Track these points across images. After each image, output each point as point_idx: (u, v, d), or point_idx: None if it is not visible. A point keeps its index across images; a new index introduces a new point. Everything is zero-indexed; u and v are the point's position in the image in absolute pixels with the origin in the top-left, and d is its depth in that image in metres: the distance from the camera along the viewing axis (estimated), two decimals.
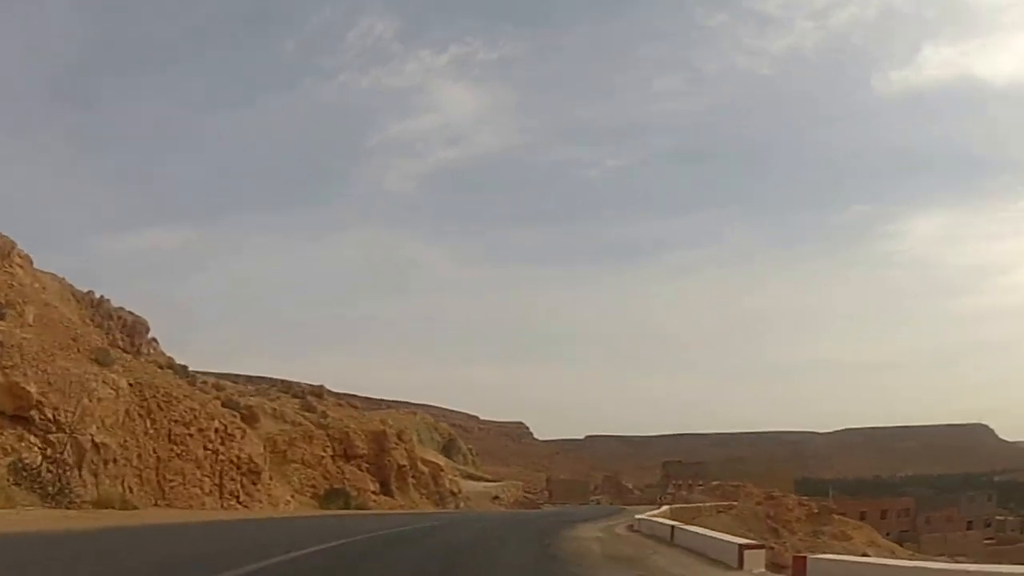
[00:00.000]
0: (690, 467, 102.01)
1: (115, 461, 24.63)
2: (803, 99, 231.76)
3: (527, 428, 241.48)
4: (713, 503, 53.55)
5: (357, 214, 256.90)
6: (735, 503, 52.81)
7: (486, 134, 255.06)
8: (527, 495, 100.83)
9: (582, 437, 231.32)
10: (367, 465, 49.56)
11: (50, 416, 23.07)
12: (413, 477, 54.92)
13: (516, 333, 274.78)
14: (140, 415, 27.45)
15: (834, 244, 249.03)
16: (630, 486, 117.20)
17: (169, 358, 50.01)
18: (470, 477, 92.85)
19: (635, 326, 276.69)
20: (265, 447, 36.43)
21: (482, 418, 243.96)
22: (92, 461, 23.48)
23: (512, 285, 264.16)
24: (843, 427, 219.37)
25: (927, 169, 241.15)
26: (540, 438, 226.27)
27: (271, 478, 35.55)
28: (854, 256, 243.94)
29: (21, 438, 22.39)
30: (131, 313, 52.89)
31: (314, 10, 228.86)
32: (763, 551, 15.11)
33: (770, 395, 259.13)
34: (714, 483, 73.90)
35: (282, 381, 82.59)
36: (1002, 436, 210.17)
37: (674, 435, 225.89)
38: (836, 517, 54.73)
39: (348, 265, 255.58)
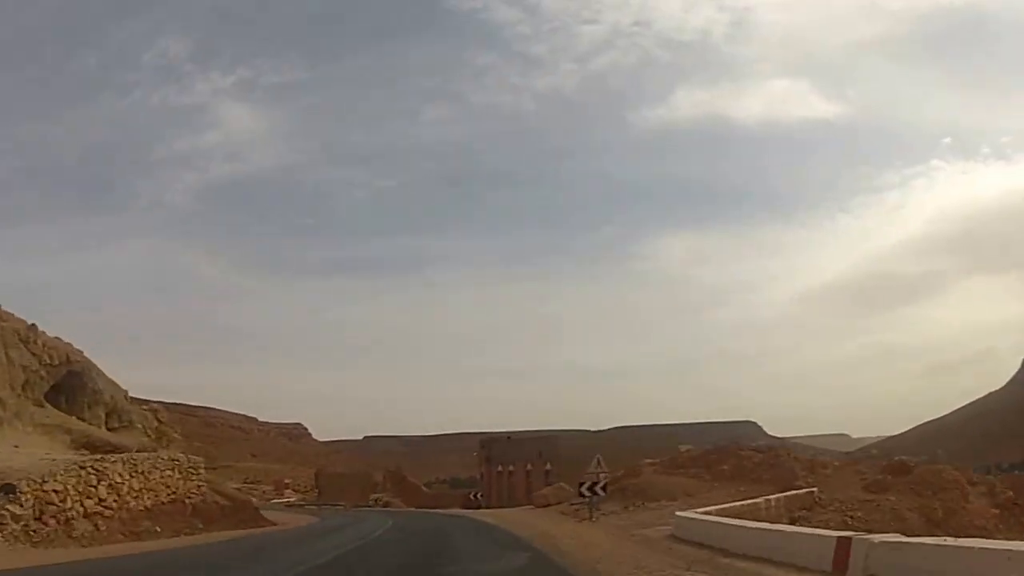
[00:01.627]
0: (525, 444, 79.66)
1: None
2: (563, 131, 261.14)
3: (305, 429, 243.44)
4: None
5: (138, 224, 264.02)
6: None
7: (264, 152, 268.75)
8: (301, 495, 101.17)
9: (361, 437, 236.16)
10: None
11: None
12: None
13: (294, 338, 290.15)
14: None
15: (588, 262, 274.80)
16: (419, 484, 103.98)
17: None
18: None
19: (410, 335, 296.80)
20: None
21: (260, 419, 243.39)
22: None
23: (286, 294, 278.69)
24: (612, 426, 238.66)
25: (679, 197, 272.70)
26: (319, 439, 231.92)
27: None
28: (607, 273, 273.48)
29: None
30: None
31: (116, 30, 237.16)
32: None
33: (522, 396, 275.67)
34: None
35: None
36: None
37: (454, 434, 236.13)
38: None
39: (128, 272, 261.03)
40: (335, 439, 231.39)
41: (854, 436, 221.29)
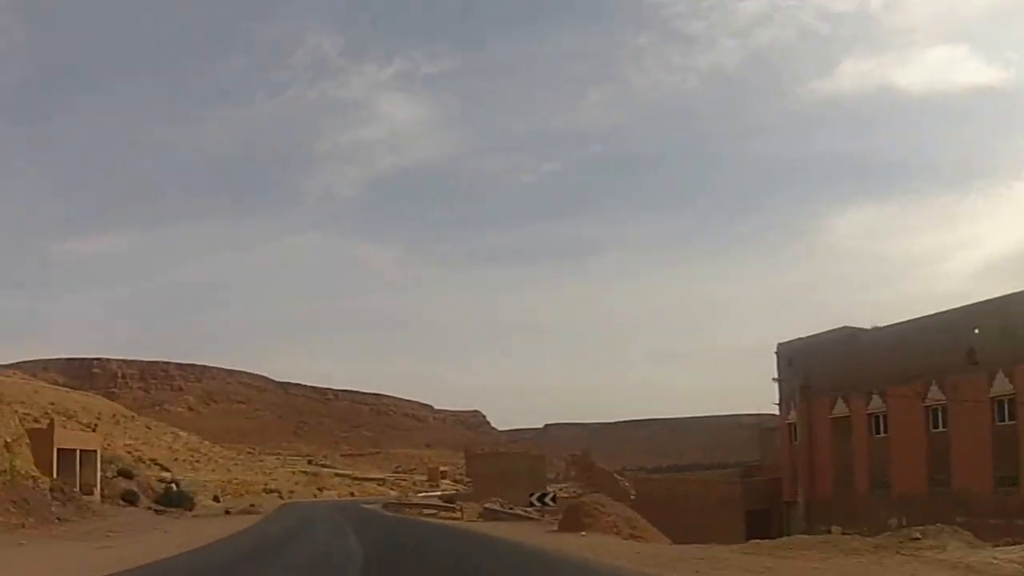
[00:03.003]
0: None
1: None
2: (725, 110, 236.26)
3: (484, 417, 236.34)
4: None
5: (308, 219, 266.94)
6: None
7: (427, 143, 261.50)
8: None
9: (541, 426, 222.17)
10: None
11: None
12: None
13: (467, 327, 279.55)
14: None
15: (755, 241, 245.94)
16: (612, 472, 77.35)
17: None
18: None
19: (583, 321, 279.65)
20: None
21: (436, 407, 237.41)
22: None
23: (457, 282, 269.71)
24: None
25: (849, 170, 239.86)
26: (498, 427, 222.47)
27: None
28: (776, 252, 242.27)
29: None
30: None
31: (262, 30, 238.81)
32: None
33: (719, 379, 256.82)
34: None
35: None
36: None
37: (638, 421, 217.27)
38: None
39: (302, 267, 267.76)
40: (515, 428, 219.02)
41: None
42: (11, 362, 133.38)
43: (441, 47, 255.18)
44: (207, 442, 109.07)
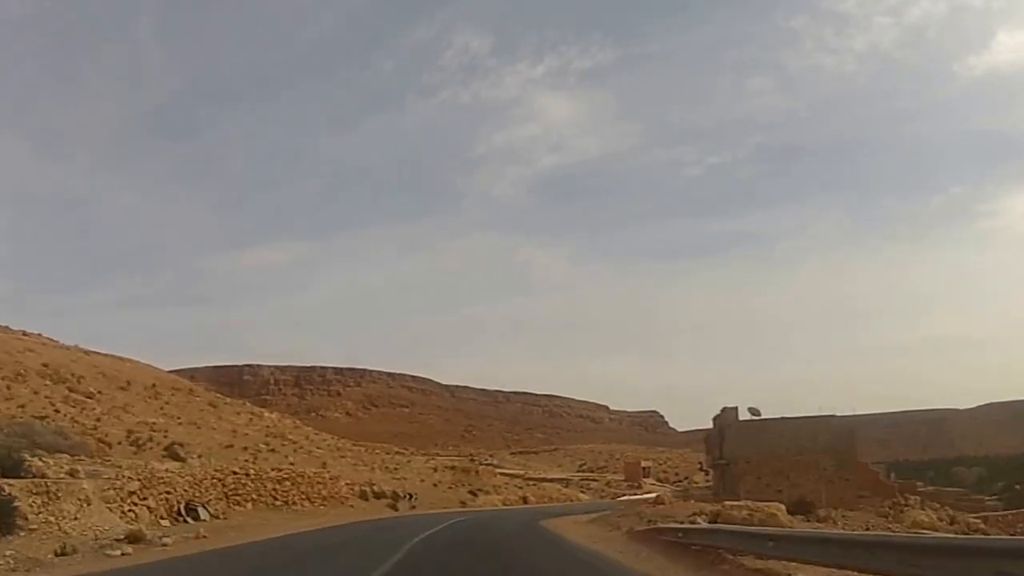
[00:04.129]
0: None
1: None
2: (887, 91, 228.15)
3: (662, 417, 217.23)
4: None
5: (470, 221, 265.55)
6: None
7: (586, 140, 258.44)
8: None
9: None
10: None
11: None
12: None
13: (638, 326, 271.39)
14: None
15: (930, 227, 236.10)
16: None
17: None
18: None
19: (748, 316, 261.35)
20: None
21: (612, 408, 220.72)
22: None
23: (627, 281, 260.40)
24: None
25: (1018, 151, 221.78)
26: (677, 428, 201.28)
27: None
28: (952, 236, 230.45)
29: None
30: None
31: (407, 33, 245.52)
32: None
33: (895, 374, 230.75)
34: None
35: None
36: None
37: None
38: None
39: (466, 269, 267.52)
40: (694, 428, 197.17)
41: None
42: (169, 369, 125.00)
43: (593, 40, 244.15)
44: (345, 440, 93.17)
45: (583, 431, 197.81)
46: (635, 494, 64.06)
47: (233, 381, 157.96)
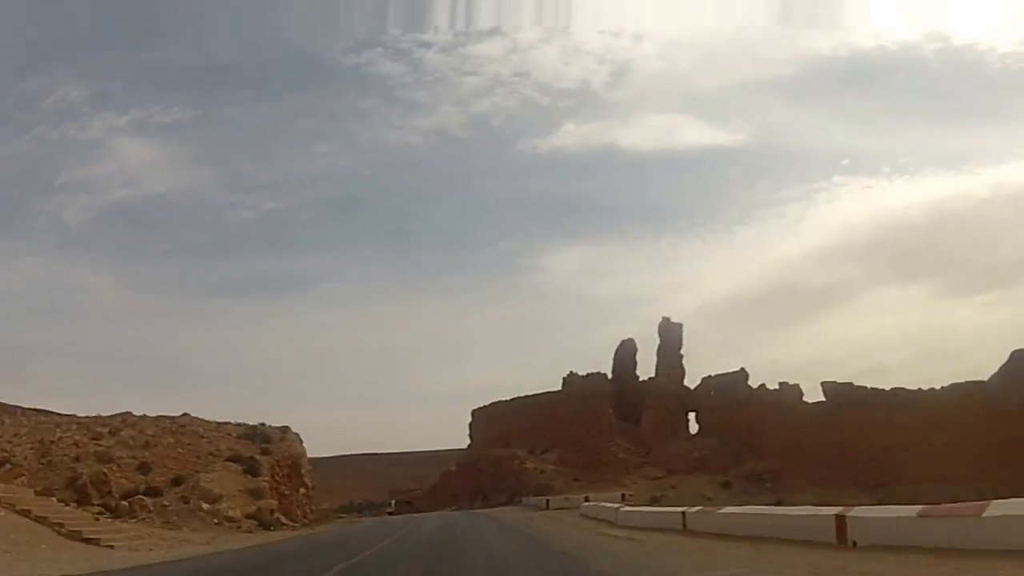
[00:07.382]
0: None
1: None
2: (449, 160, 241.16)
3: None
4: None
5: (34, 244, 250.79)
6: None
7: (157, 179, 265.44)
8: None
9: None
10: None
11: None
12: None
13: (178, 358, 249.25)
14: None
15: (482, 277, 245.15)
16: None
17: None
18: None
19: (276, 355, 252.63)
20: None
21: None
22: None
23: (175, 313, 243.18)
24: None
25: (571, 213, 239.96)
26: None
27: None
28: (503, 286, 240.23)
29: None
30: None
31: (17, 81, 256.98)
32: None
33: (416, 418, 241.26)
34: None
35: None
36: None
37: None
38: None
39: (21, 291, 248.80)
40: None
41: None
42: None
43: (174, 101, 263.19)
44: None
45: None
46: None
47: None
